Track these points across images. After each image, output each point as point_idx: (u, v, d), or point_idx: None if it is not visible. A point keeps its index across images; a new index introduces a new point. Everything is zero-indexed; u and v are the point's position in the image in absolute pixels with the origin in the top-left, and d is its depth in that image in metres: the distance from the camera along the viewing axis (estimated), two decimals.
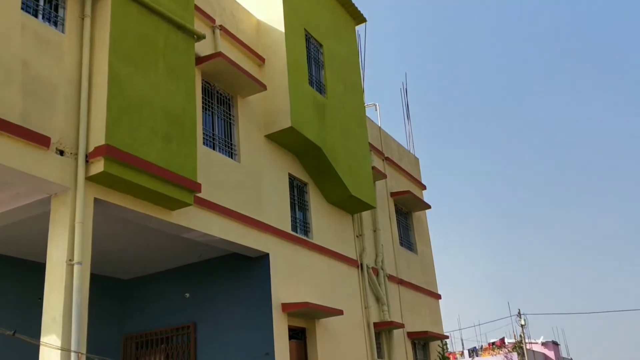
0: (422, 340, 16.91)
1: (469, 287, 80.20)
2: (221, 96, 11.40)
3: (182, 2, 9.63)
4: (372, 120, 17.62)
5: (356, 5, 15.69)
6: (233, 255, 11.43)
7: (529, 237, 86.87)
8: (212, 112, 11.10)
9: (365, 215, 15.37)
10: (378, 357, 14.14)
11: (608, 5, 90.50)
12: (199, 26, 10.55)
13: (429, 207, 18.97)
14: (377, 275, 15.04)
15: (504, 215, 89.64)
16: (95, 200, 7.97)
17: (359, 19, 16.14)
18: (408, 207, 18.49)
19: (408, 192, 17.63)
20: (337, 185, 13.40)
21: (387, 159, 17.78)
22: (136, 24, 8.65)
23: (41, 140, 7.31)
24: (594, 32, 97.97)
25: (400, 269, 16.62)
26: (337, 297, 12.97)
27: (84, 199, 7.69)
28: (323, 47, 14.23)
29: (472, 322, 68.55)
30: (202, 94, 10.84)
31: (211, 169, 10.22)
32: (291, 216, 12.35)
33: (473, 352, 43.54)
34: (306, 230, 12.92)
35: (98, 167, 7.74)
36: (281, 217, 11.85)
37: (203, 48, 10.64)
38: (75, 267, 7.45)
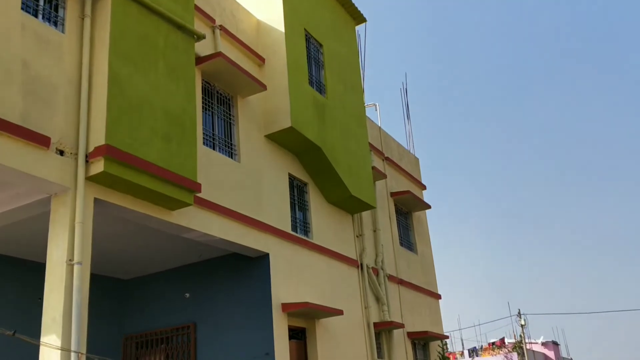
0: (422, 340, 16.91)
1: (469, 287, 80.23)
2: (221, 96, 11.40)
3: (182, 2, 9.64)
4: (372, 120, 17.62)
5: (356, 5, 15.69)
6: (233, 255, 11.43)
7: (528, 237, 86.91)
8: (212, 112, 11.10)
9: (365, 215, 15.37)
10: (378, 357, 14.14)
11: (608, 5, 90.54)
12: (199, 26, 10.55)
13: (429, 207, 18.97)
14: (377, 275, 15.04)
15: (504, 215, 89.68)
16: (95, 200, 7.97)
17: (359, 19, 16.14)
18: (408, 207, 18.49)
19: (408, 192, 17.63)
20: (337, 185, 13.40)
21: (387, 159, 17.78)
22: (136, 24, 8.66)
23: (41, 140, 7.31)
24: (594, 31, 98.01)
25: (400, 269, 16.63)
26: (337, 297, 12.97)
27: (84, 199, 7.70)
28: (323, 47, 14.23)
29: (472, 322, 68.64)
30: (202, 94, 10.84)
31: (211, 169, 10.22)
32: (291, 216, 12.35)
33: (473, 352, 43.55)
34: (306, 230, 12.92)
35: (98, 167, 7.74)
36: (281, 217, 11.85)
37: (203, 48, 10.64)
38: (75, 267, 7.45)
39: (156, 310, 12.43)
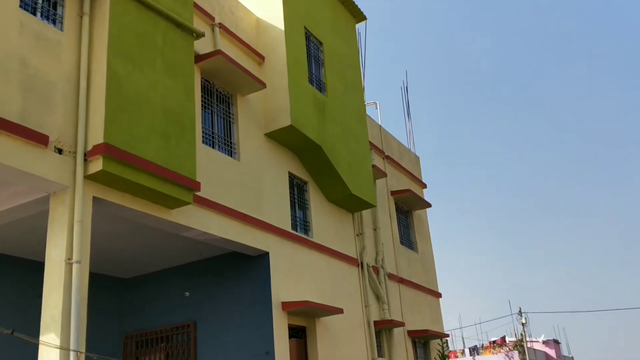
0: (423, 339, 16.89)
1: (470, 286, 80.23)
2: (221, 94, 11.37)
3: (181, 0, 9.61)
4: (373, 119, 17.59)
5: (356, 3, 15.65)
6: (233, 254, 11.41)
7: (529, 236, 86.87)
8: (212, 111, 11.07)
9: (366, 213, 15.34)
10: (378, 356, 14.12)
11: (608, 4, 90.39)
12: (198, 24, 10.52)
13: (429, 205, 18.95)
14: (378, 273, 15.02)
15: (504, 214, 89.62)
16: (94, 198, 7.95)
17: (359, 17, 16.10)
18: (408, 206, 18.46)
19: (408, 190, 17.60)
20: (337, 183, 13.37)
21: (387, 157, 17.75)
22: (135, 21, 8.63)
23: (39, 139, 7.29)
24: (594, 27, 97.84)
25: (401, 268, 16.60)
26: (337, 295, 12.95)
27: (82, 198, 7.67)
28: (323, 45, 14.19)
29: (473, 320, 68.60)
30: (202, 92, 10.81)
31: (210, 168, 10.20)
32: (291, 215, 12.32)
33: (474, 350, 43.53)
34: (306, 228, 12.90)
35: (97, 165, 7.72)
36: (281, 215, 11.83)
37: (202, 46, 10.61)
38: (74, 266, 7.43)
39: (156, 309, 12.41)
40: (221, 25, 11.38)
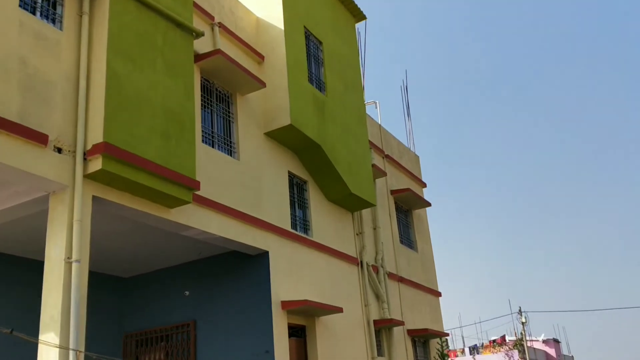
0: (422, 338, 16.91)
1: (470, 285, 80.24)
2: (220, 94, 11.37)
3: (181, 0, 9.61)
4: (372, 118, 17.59)
5: (356, 2, 15.65)
6: (233, 253, 11.42)
7: (530, 235, 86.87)
8: (212, 110, 11.08)
9: (365, 213, 15.35)
10: (378, 355, 14.13)
11: (608, 4, 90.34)
12: (198, 24, 10.52)
13: (429, 204, 18.95)
14: (377, 273, 15.03)
15: (504, 213, 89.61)
16: (94, 198, 7.96)
17: (359, 16, 16.10)
18: (408, 205, 18.47)
19: (408, 189, 17.61)
20: (337, 183, 13.37)
21: (387, 156, 17.75)
22: (134, 21, 8.63)
23: (39, 138, 7.29)
24: (595, 24, 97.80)
25: (400, 267, 16.61)
26: (337, 294, 12.96)
27: (82, 197, 7.68)
28: (323, 45, 14.19)
29: (473, 319, 68.63)
30: (201, 91, 10.82)
31: (210, 167, 10.20)
32: (291, 214, 12.33)
33: (474, 349, 43.56)
34: (306, 228, 12.91)
35: (96, 164, 7.72)
36: (281, 215, 11.83)
37: (202, 45, 10.61)
38: (74, 265, 7.44)
39: (156, 308, 12.43)
40: (221, 25, 11.38)
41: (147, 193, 8.49)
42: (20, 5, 7.56)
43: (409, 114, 20.64)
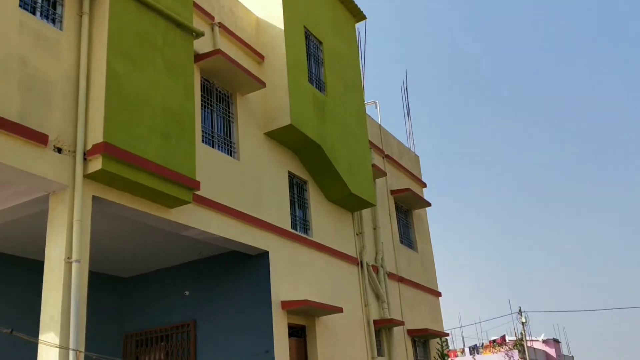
0: (422, 338, 16.91)
1: (470, 285, 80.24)
2: (220, 94, 11.37)
3: (181, 0, 9.61)
4: (372, 118, 17.59)
5: (356, 2, 15.65)
6: (233, 253, 11.42)
7: (530, 235, 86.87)
8: (212, 110, 11.08)
9: (365, 213, 15.35)
10: (378, 355, 14.13)
11: (608, 4, 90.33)
12: (198, 23, 10.52)
13: (429, 204, 18.95)
14: (377, 272, 15.03)
15: (504, 213, 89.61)
16: (94, 198, 7.96)
17: (359, 16, 16.10)
18: (408, 205, 18.47)
19: (408, 189, 17.61)
20: (337, 183, 13.37)
21: (387, 156, 17.75)
22: (134, 21, 8.63)
23: (39, 138, 7.29)
24: (595, 24, 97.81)
25: (400, 267, 16.61)
26: (337, 294, 12.96)
27: (82, 197, 7.68)
28: (323, 45, 14.19)
29: (473, 319, 68.64)
30: (201, 91, 10.82)
31: (210, 167, 10.20)
32: (291, 214, 12.33)
33: (474, 349, 43.57)
34: (306, 228, 12.91)
35: (96, 164, 7.72)
36: (281, 215, 11.83)
37: (202, 45, 10.61)
38: (74, 265, 7.44)
39: (156, 308, 12.43)
40: (221, 25, 11.38)
41: (147, 193, 8.49)
42: (20, 5, 7.56)
43: (409, 114, 20.66)
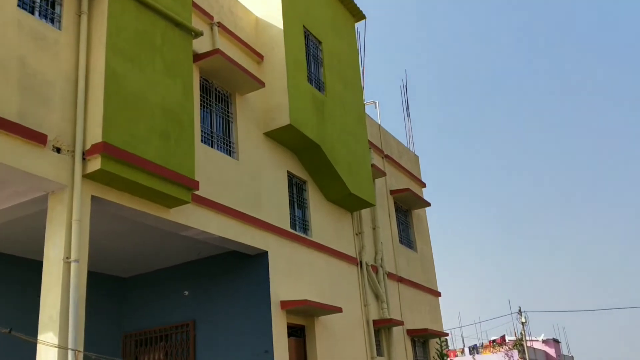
0: (422, 338, 16.90)
1: (469, 285, 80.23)
2: (219, 93, 11.36)
3: None
4: (372, 118, 17.58)
5: (355, 2, 15.64)
6: (232, 253, 11.41)
7: (529, 235, 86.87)
8: (211, 110, 11.07)
9: (365, 213, 15.34)
10: (377, 355, 14.12)
11: (610, 4, 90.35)
12: (197, 23, 10.51)
13: (428, 204, 18.94)
14: (377, 273, 15.02)
15: (504, 213, 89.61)
16: (93, 197, 7.95)
17: (359, 16, 16.09)
18: (408, 205, 18.46)
19: (408, 189, 17.60)
20: (337, 183, 13.36)
21: (386, 156, 17.74)
22: (133, 20, 8.62)
23: (38, 138, 7.28)
24: (596, 24, 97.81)
25: (400, 267, 16.60)
26: (337, 294, 12.95)
27: (81, 197, 7.67)
28: (322, 45, 14.18)
29: (472, 319, 68.72)
30: (200, 91, 10.81)
31: (209, 167, 10.19)
32: (290, 214, 12.32)
33: (474, 349, 43.57)
34: (305, 228, 12.90)
35: (95, 164, 7.71)
36: (280, 215, 11.82)
37: (201, 45, 10.60)
38: (73, 265, 7.43)
39: (155, 308, 12.42)
40: (220, 24, 11.37)
41: (146, 193, 8.48)
42: (19, 5, 7.55)
43: (408, 114, 20.64)
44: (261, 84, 11.52)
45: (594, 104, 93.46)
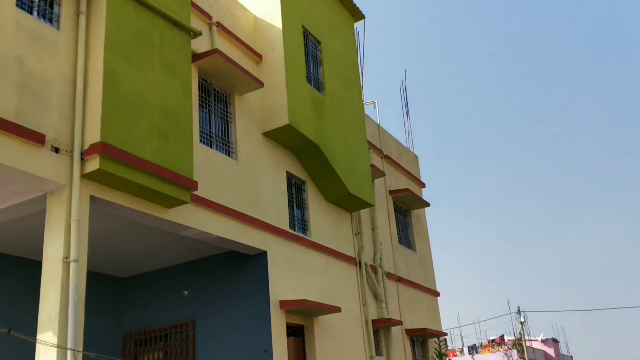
0: (421, 338, 16.90)
1: (468, 285, 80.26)
2: (218, 93, 11.36)
3: None
4: (371, 118, 17.58)
5: (355, 2, 15.63)
6: (231, 253, 11.41)
7: (528, 235, 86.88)
8: (209, 110, 11.07)
9: (364, 213, 15.34)
10: (376, 354, 14.13)
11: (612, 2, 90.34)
12: (196, 23, 10.51)
13: (427, 204, 18.94)
14: (376, 272, 15.02)
15: (503, 213, 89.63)
16: (91, 197, 7.95)
17: (358, 15, 16.09)
18: (407, 205, 18.46)
19: (407, 190, 17.60)
20: (336, 183, 13.36)
21: (386, 156, 17.74)
22: (132, 20, 8.62)
23: (36, 138, 7.29)
24: (597, 23, 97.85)
25: (399, 267, 16.61)
26: (336, 294, 12.95)
27: (79, 197, 7.67)
28: (321, 44, 14.18)
29: (471, 319, 68.72)
30: (199, 91, 10.81)
31: (208, 167, 10.19)
32: (289, 214, 12.32)
33: (473, 349, 43.59)
34: (304, 228, 12.90)
35: (93, 164, 7.71)
36: (279, 215, 11.82)
37: (200, 45, 10.60)
38: (72, 265, 7.43)
39: (155, 308, 12.42)
40: (219, 24, 11.37)
41: (145, 193, 8.48)
42: (17, 5, 7.55)
43: (407, 114, 20.63)
44: (260, 84, 11.51)
45: (594, 103, 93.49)
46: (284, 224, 11.91)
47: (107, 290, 12.64)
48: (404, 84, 21.44)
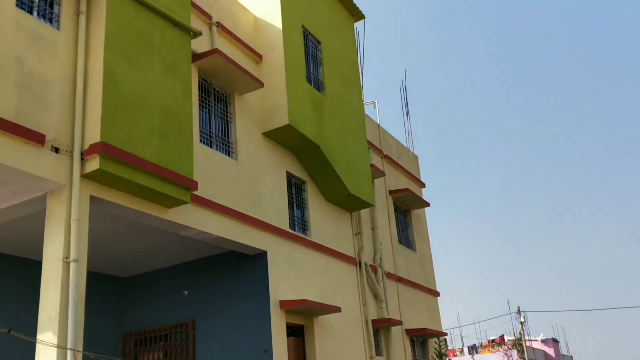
0: (421, 338, 16.90)
1: (468, 285, 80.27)
2: (218, 93, 11.36)
3: None
4: (371, 118, 17.57)
5: (355, 2, 15.64)
6: (231, 253, 11.41)
7: (528, 235, 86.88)
8: (209, 110, 11.07)
9: (364, 213, 15.34)
10: (376, 354, 14.13)
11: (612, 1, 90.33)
12: (196, 23, 10.51)
13: (427, 204, 18.94)
14: (376, 272, 15.02)
15: (503, 213, 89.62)
16: (91, 197, 7.95)
17: (358, 15, 16.09)
18: (407, 205, 18.46)
19: (407, 190, 17.60)
20: (336, 183, 13.36)
21: (385, 156, 17.74)
22: (132, 20, 8.62)
23: (36, 138, 7.29)
24: (597, 23, 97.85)
25: (399, 267, 16.61)
26: (336, 294, 12.96)
27: (79, 197, 7.67)
28: (321, 44, 14.18)
29: (471, 319, 68.72)
30: (199, 91, 10.81)
31: (208, 167, 10.19)
32: (289, 214, 12.32)
33: (473, 349, 43.59)
34: (304, 228, 12.90)
35: (93, 164, 7.71)
36: (279, 215, 11.82)
37: (200, 45, 10.60)
38: (72, 265, 7.43)
39: (155, 308, 12.42)
40: (219, 24, 11.37)
41: (145, 193, 8.48)
42: (17, 5, 7.55)
43: (407, 114, 20.64)
44: (260, 84, 11.51)
45: (594, 103, 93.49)
46: (284, 224, 11.91)
47: (107, 290, 12.65)
48: (404, 84, 21.46)
